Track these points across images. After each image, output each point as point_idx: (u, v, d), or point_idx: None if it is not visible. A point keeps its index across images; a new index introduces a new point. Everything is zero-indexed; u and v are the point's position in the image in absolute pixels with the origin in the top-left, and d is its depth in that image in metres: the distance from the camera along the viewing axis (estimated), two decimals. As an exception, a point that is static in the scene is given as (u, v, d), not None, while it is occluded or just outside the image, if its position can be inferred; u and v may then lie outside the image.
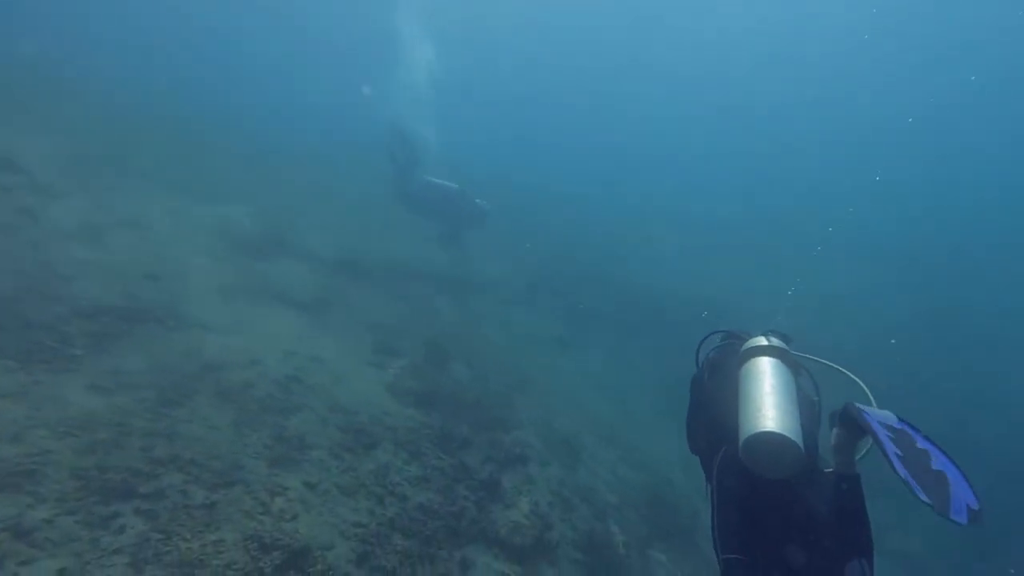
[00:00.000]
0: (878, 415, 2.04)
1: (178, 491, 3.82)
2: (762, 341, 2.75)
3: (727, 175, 39.30)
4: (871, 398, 2.38)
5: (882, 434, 1.85)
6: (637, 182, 35.14)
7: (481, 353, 9.85)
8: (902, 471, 1.75)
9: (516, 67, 48.64)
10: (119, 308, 5.86)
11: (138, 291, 6.44)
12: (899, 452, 1.82)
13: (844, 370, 2.67)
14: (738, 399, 2.49)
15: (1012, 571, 9.03)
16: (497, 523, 5.69)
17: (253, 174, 14.23)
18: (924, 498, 1.70)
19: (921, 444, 1.90)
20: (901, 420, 1.99)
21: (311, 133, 25.28)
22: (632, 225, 24.44)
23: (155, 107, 18.65)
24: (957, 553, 9.73)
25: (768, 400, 2.36)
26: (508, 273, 15.26)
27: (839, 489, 2.21)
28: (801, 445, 2.22)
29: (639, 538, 6.93)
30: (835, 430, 2.30)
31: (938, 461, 1.86)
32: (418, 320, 9.93)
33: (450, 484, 5.89)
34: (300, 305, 8.14)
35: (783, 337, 2.93)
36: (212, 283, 7.40)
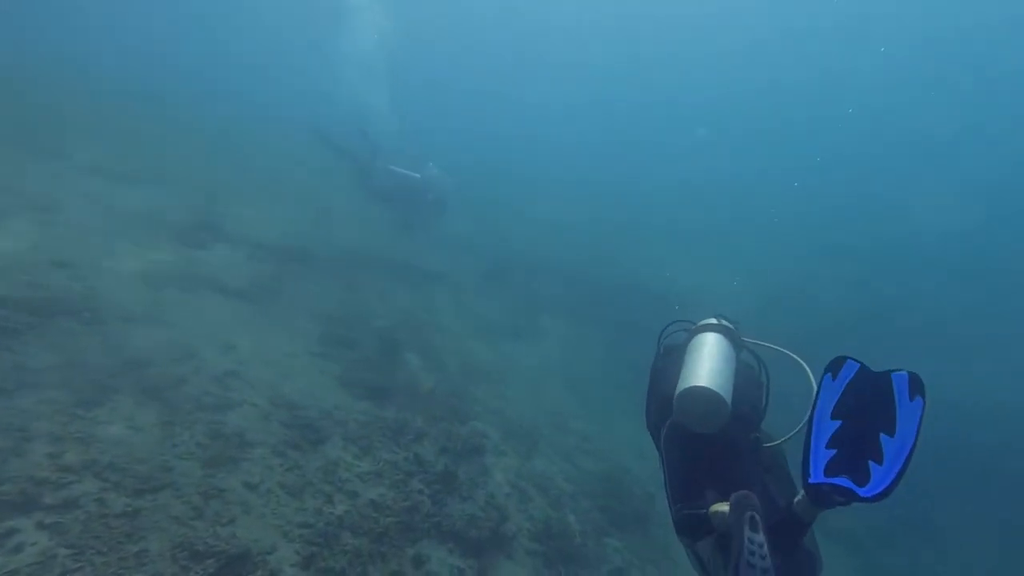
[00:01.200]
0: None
1: (93, 500, 3.45)
2: (711, 321, 2.99)
3: (675, 167, 40.54)
4: (812, 378, 2.42)
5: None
6: (590, 172, 35.62)
7: (435, 343, 9.65)
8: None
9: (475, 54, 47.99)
10: (22, 300, 5.24)
11: (46, 280, 5.80)
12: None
13: (788, 352, 2.80)
14: (681, 369, 2.71)
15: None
16: (453, 516, 5.58)
17: (186, 154, 13.23)
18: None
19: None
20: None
21: (254, 109, 23.86)
22: (588, 215, 24.73)
23: (73, 79, 16.99)
24: (900, 535, 10.35)
25: (703, 363, 2.59)
26: (464, 262, 15.04)
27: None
28: (728, 400, 2.40)
29: (596, 527, 7.01)
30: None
31: None
32: (369, 310, 9.58)
33: (404, 478, 5.72)
34: (239, 294, 7.63)
35: (731, 320, 3.14)
36: (135, 271, 6.79)
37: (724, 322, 3.04)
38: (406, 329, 9.39)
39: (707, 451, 2.55)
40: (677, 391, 2.53)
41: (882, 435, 1.63)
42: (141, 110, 15.56)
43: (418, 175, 11.77)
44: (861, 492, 1.56)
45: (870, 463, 1.59)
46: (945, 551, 9.78)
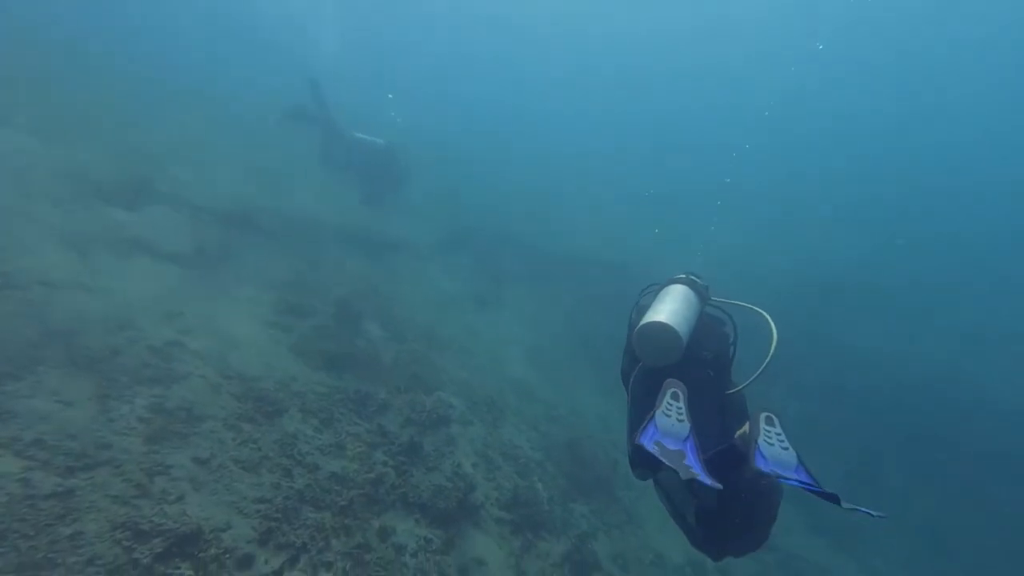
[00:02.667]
0: (774, 463, 2.07)
1: (15, 481, 3.12)
2: (680, 276, 3.25)
3: (634, 139, 40.79)
4: (773, 329, 2.72)
5: (762, 464, 2.00)
6: (552, 144, 35.38)
7: (396, 313, 9.39)
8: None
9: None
10: (-80, 259, 4.63)
11: (-51, 239, 5.15)
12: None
13: (752, 306, 3.05)
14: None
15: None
16: (419, 488, 5.50)
17: (118, 109, 12.02)
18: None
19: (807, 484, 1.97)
20: (798, 467, 2.03)
21: (203, 61, 21.85)
22: (549, 186, 24.61)
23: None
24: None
25: (663, 305, 2.85)
26: (424, 231, 14.65)
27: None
28: (681, 333, 2.65)
29: (562, 493, 7.13)
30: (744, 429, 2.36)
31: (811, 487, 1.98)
32: (325, 279, 9.17)
33: (367, 450, 5.57)
34: (180, 261, 7.09)
35: (700, 278, 3.37)
36: (56, 233, 6.15)
37: (693, 278, 3.27)
38: (365, 299, 9.07)
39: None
40: (636, 329, 2.80)
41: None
42: (68, 62, 13.97)
43: (382, 140, 11.29)
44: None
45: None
46: (892, 503, 10.66)
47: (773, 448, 2.06)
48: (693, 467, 1.99)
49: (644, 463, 2.56)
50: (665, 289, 3.12)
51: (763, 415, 2.18)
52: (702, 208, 26.22)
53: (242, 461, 4.43)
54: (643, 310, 3.18)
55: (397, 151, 11.42)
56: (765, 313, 2.90)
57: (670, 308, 2.83)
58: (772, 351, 2.65)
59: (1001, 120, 31.28)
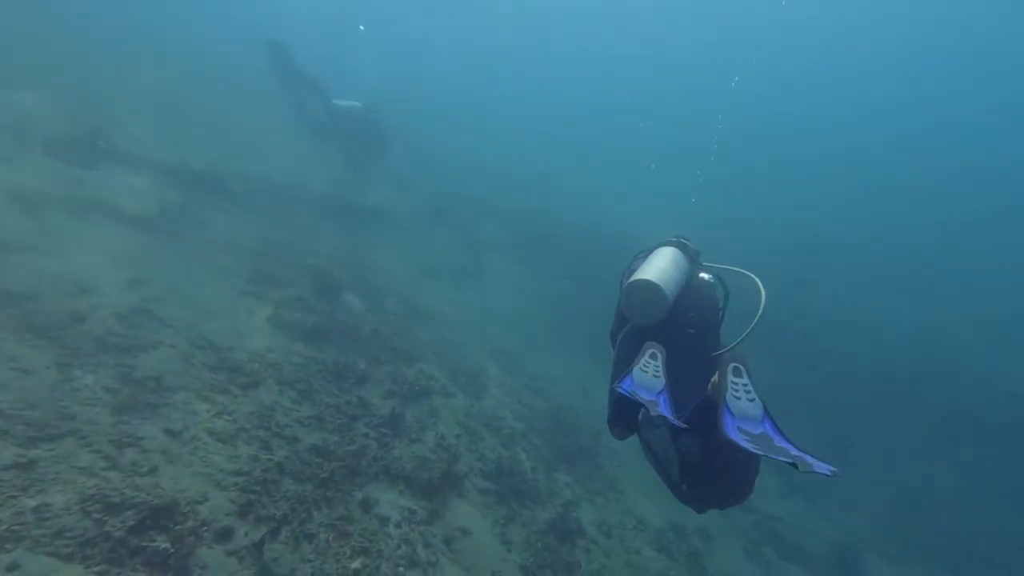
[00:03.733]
0: (742, 419, 2.09)
1: (-29, 451, 2.96)
2: (671, 239, 3.27)
3: (621, 109, 40.45)
4: (762, 291, 2.78)
5: (733, 434, 1.99)
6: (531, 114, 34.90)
7: (375, 283, 9.22)
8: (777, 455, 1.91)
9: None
10: None
11: None
12: (748, 440, 1.99)
13: (741, 269, 3.10)
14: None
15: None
16: (402, 459, 5.48)
17: (78, 58, 11.21)
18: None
19: (778, 442, 1.98)
20: (764, 417, 2.08)
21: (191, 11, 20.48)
22: (532, 156, 24.30)
23: None
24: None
25: (650, 264, 2.87)
26: (403, 200, 14.33)
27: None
28: (667, 291, 2.68)
29: (546, 463, 7.23)
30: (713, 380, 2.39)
31: (780, 442, 2.00)
32: (302, 248, 8.91)
33: (348, 422, 5.50)
34: (144, 224, 6.75)
35: (689, 241, 3.40)
36: (3, 190, 5.76)
37: (684, 241, 3.31)
38: (343, 268, 8.85)
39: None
40: (623, 286, 2.83)
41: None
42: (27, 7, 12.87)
43: (359, 103, 10.90)
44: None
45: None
46: (866, 463, 11.18)
47: (740, 402, 2.09)
48: (661, 407, 2.10)
49: (619, 415, 2.69)
50: (655, 251, 3.15)
51: (731, 365, 2.19)
52: (688, 177, 26.30)
53: (217, 433, 4.31)
54: (633, 271, 3.19)
55: (378, 115, 11.07)
56: (755, 276, 2.94)
57: (658, 267, 2.86)
58: (759, 313, 2.70)
59: (969, 103, 32.11)
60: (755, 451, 1.87)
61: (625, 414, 2.75)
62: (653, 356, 2.47)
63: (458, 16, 43.39)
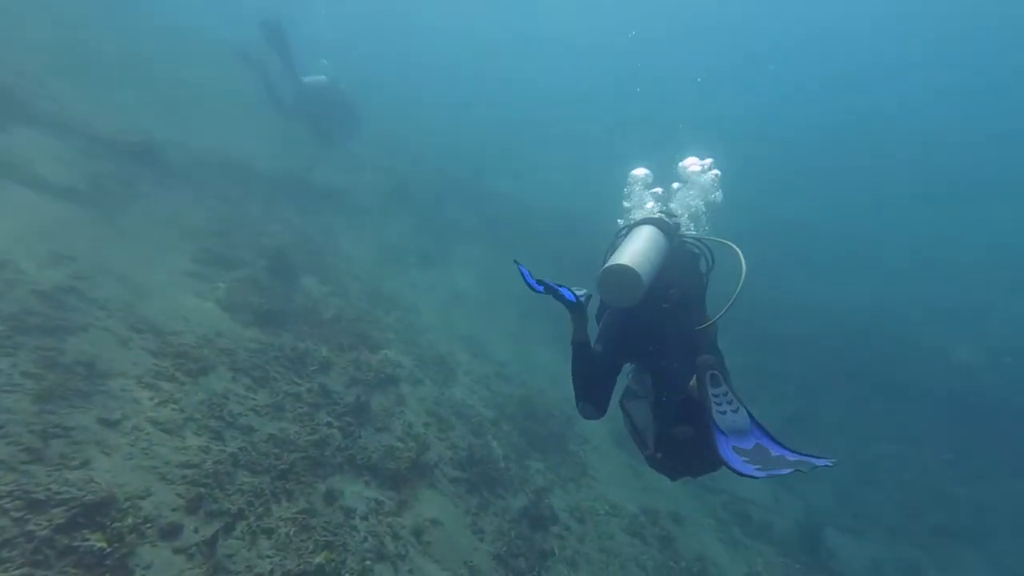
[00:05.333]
0: (734, 436, 2.13)
1: None
2: (651, 216, 3.25)
3: (591, 86, 40.59)
4: (743, 262, 2.78)
5: (734, 460, 2.02)
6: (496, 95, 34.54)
7: (336, 267, 8.83)
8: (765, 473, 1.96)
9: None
10: None
11: None
12: (748, 460, 2.03)
13: (722, 240, 3.14)
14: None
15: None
16: (368, 449, 5.24)
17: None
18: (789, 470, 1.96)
19: (775, 452, 2.05)
20: (751, 426, 2.13)
21: None
22: (499, 137, 24.02)
23: None
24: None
25: (625, 247, 2.86)
26: (362, 180, 13.80)
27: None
28: (641, 274, 2.67)
29: (517, 450, 7.12)
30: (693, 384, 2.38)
31: (776, 451, 2.07)
32: (256, 227, 8.41)
33: (309, 411, 5.20)
34: (69, 195, 6.15)
35: (670, 215, 3.41)
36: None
37: (663, 216, 3.28)
38: (300, 250, 8.42)
39: (633, 328, 2.94)
40: (599, 273, 2.85)
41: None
42: None
43: (324, 77, 10.44)
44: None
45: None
46: (824, 439, 11.65)
47: (726, 417, 2.13)
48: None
49: (586, 392, 2.95)
50: (633, 231, 3.12)
51: (708, 374, 2.18)
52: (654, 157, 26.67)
53: (162, 423, 3.95)
54: (612, 250, 3.22)
55: (346, 89, 10.60)
56: (735, 246, 2.95)
57: (633, 249, 2.84)
58: (740, 284, 2.72)
59: (918, 87, 33.81)
60: (760, 475, 1.88)
61: (593, 391, 2.90)
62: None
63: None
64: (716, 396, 2.17)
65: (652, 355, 2.95)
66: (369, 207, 12.71)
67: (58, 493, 2.78)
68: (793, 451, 1.97)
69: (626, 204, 4.55)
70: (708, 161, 4.50)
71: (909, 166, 33.83)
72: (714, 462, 2.30)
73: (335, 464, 4.85)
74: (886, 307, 17.19)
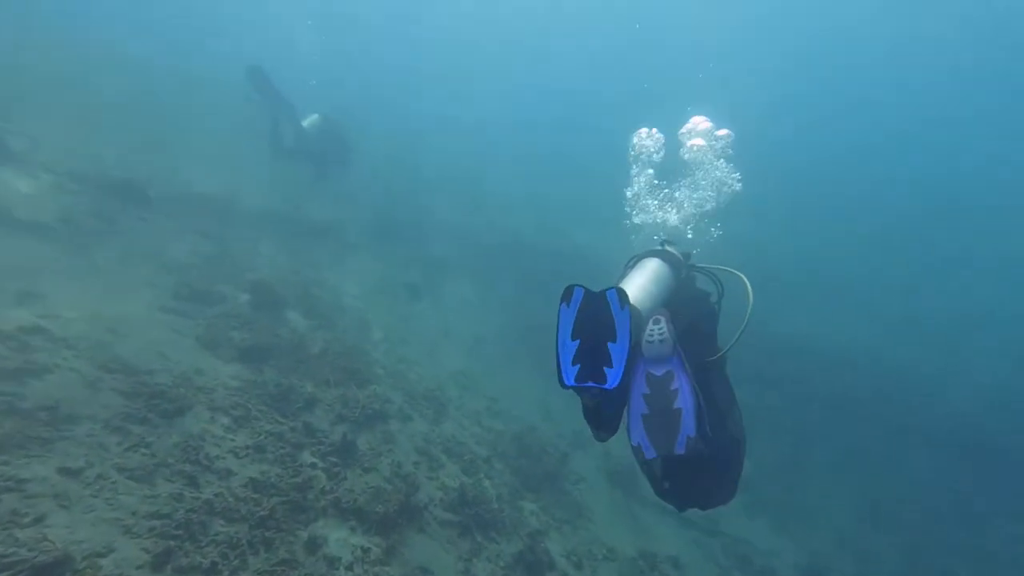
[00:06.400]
0: (649, 359, 2.40)
1: None
2: (656, 248, 3.18)
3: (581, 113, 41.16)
4: (750, 291, 2.77)
5: (636, 393, 2.35)
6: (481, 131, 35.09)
7: (323, 301, 8.59)
8: (635, 439, 2.28)
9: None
10: None
11: None
12: (646, 406, 2.33)
13: (730, 269, 3.11)
14: None
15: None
16: (354, 491, 4.91)
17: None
18: (651, 455, 2.25)
19: (675, 384, 2.32)
20: (673, 355, 2.37)
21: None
22: (482, 169, 24.23)
23: None
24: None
25: (628, 282, 2.79)
26: (348, 215, 13.69)
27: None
28: (644, 312, 2.59)
29: (511, 490, 6.78)
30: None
31: (682, 397, 2.29)
32: (239, 262, 8.18)
33: (292, 451, 4.89)
34: (42, 232, 5.91)
35: (674, 244, 3.34)
36: None
37: (668, 247, 3.21)
38: (286, 284, 8.18)
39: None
40: None
41: (608, 344, 2.07)
42: None
43: (316, 115, 10.81)
44: (605, 387, 2.02)
45: (604, 368, 2.05)
46: (824, 481, 11.35)
47: (653, 345, 2.36)
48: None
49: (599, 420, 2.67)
50: (638, 264, 3.05)
51: (653, 316, 2.41)
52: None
53: (130, 470, 3.63)
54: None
55: (337, 121, 10.81)
56: (743, 275, 2.88)
57: (636, 284, 2.76)
58: (748, 315, 2.68)
59: (906, 123, 34.87)
60: (639, 411, 2.28)
61: (606, 423, 2.64)
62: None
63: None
64: (650, 331, 2.38)
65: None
66: (356, 240, 12.56)
67: (4, 556, 2.47)
68: (692, 386, 2.27)
69: (634, 170, 4.38)
70: (723, 132, 4.27)
71: (904, 199, 34.40)
72: (722, 493, 2.50)
73: (318, 508, 4.52)
74: (880, 344, 17.16)
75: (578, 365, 2.07)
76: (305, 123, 10.69)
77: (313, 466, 4.90)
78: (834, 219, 32.76)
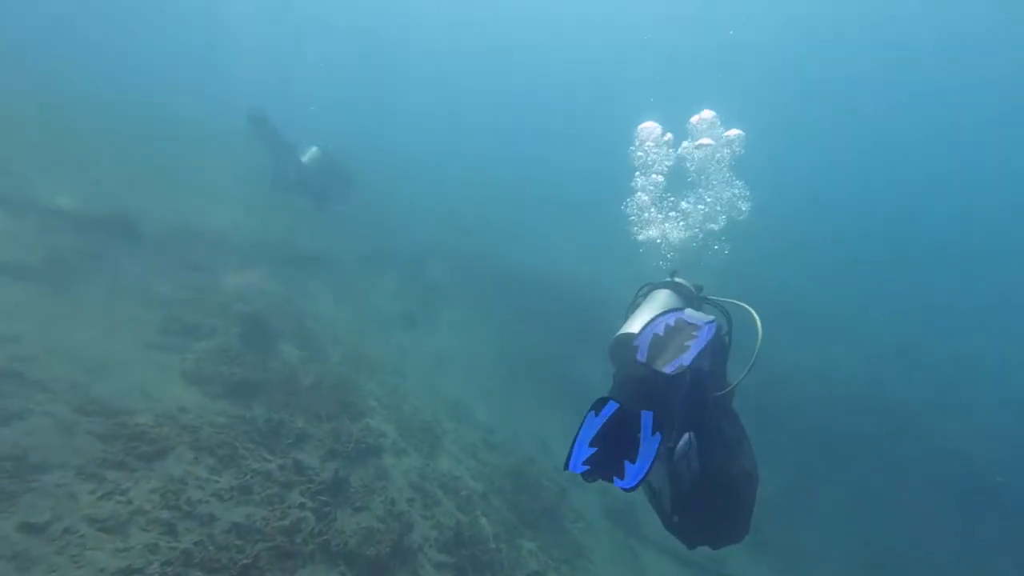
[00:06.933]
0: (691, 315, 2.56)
1: None
2: (667, 278, 3.19)
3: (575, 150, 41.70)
4: (759, 326, 2.69)
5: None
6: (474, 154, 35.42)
7: (315, 332, 8.39)
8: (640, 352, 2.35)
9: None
10: None
11: None
12: (663, 331, 2.47)
13: (739, 303, 3.01)
14: None
15: None
16: (344, 532, 4.65)
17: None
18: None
19: (695, 334, 2.43)
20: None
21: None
22: (483, 199, 24.31)
23: None
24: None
25: (637, 316, 2.80)
26: (339, 245, 13.58)
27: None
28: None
29: (508, 528, 6.47)
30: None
31: (696, 343, 2.36)
32: (229, 294, 8.00)
33: (280, 491, 4.64)
34: (19, 273, 5.73)
35: (682, 277, 3.31)
36: None
37: (678, 280, 3.21)
38: (277, 315, 7.99)
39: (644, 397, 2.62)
40: (609, 342, 2.82)
41: (626, 462, 1.97)
42: None
43: (315, 147, 11.02)
44: (622, 486, 1.93)
45: (614, 478, 1.96)
46: (828, 521, 10.93)
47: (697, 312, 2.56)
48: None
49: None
50: (649, 296, 3.08)
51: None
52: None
53: (101, 520, 3.39)
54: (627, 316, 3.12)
55: (336, 153, 10.99)
56: (751, 308, 2.84)
57: (645, 317, 2.75)
58: (757, 348, 2.62)
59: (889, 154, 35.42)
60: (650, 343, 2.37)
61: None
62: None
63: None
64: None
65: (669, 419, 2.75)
66: (347, 270, 12.42)
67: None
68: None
69: (638, 153, 4.38)
70: (733, 132, 4.11)
71: (907, 235, 34.46)
72: (733, 530, 2.39)
73: (306, 553, 4.26)
74: (878, 380, 16.83)
75: (588, 466, 2.02)
76: (304, 158, 10.89)
77: (302, 506, 4.64)
78: (836, 251, 32.82)
